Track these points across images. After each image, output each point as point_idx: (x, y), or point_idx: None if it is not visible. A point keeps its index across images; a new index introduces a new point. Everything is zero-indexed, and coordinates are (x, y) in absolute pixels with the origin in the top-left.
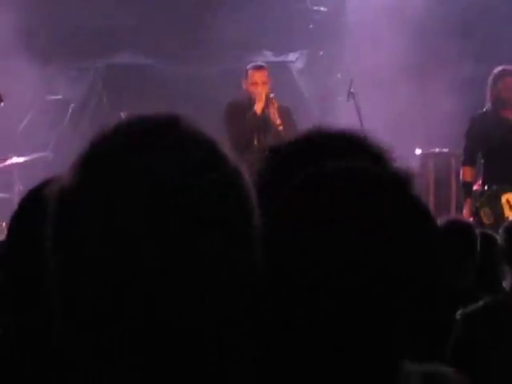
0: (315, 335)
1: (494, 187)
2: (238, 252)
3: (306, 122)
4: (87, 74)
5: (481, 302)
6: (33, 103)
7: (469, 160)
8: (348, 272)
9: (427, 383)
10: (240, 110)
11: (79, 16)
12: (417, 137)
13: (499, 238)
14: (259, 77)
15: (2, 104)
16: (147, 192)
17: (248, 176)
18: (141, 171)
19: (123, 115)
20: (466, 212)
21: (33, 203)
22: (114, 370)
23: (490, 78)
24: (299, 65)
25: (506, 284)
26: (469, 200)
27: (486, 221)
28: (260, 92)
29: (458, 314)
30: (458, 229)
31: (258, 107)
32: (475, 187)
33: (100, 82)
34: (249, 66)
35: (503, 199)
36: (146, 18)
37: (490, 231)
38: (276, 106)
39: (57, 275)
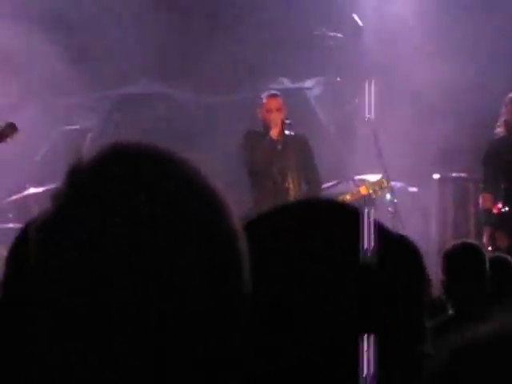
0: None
1: (508, 209)
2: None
3: (324, 148)
4: (104, 104)
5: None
6: (50, 133)
7: (489, 186)
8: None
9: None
10: (257, 138)
11: (95, 45)
12: (434, 161)
13: None
14: (274, 104)
15: (17, 134)
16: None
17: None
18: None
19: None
20: (485, 239)
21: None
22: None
23: (504, 103)
24: (316, 91)
25: None
26: (488, 228)
27: (500, 244)
28: (275, 118)
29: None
30: (464, 251)
31: (274, 132)
32: (495, 211)
33: (117, 111)
34: (263, 95)
35: None
36: (161, 46)
37: (503, 255)
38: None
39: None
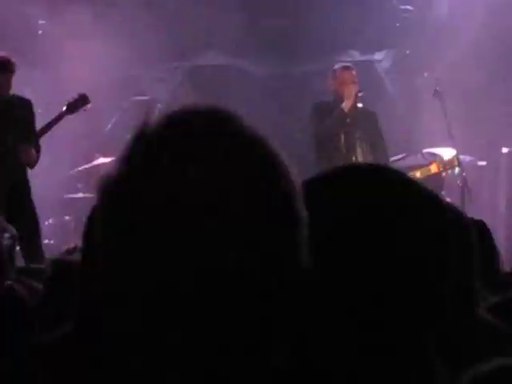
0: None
1: None
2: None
3: (393, 121)
4: (174, 75)
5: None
6: (120, 104)
7: None
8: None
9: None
10: (327, 110)
11: (167, 18)
12: (503, 135)
13: None
14: (348, 76)
15: (89, 106)
16: (191, 192)
17: (293, 176)
18: (184, 169)
19: None
20: None
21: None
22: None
23: None
24: (386, 64)
25: None
26: None
27: None
28: (350, 90)
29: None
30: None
31: (347, 105)
32: None
33: (187, 82)
34: (337, 66)
35: None
36: (233, 19)
37: None
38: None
39: (105, 266)
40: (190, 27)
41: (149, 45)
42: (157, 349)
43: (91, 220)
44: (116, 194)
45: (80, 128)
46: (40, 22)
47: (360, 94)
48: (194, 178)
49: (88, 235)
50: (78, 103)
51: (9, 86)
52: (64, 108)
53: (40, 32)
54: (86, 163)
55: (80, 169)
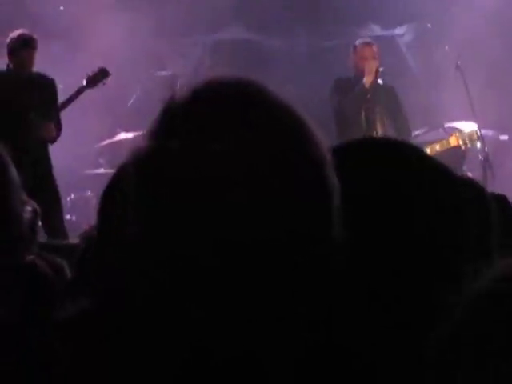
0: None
1: None
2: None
3: (414, 95)
4: (195, 50)
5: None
6: (141, 79)
7: None
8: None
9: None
10: (347, 85)
11: None
12: None
13: None
14: (369, 51)
15: (109, 79)
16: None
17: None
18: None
19: None
20: None
21: (119, 178)
22: None
23: None
24: (407, 38)
25: None
26: None
27: None
28: (370, 66)
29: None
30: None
31: (368, 80)
32: None
33: (208, 57)
34: (357, 42)
35: None
36: None
37: None
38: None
39: (135, 244)
40: (214, 1)
41: (170, 19)
42: (181, 322)
43: (108, 196)
44: (144, 169)
45: (101, 103)
46: None
47: (380, 70)
48: (222, 150)
49: (104, 210)
50: (98, 76)
51: (31, 62)
52: (84, 82)
53: (61, 8)
54: (108, 138)
55: (102, 144)
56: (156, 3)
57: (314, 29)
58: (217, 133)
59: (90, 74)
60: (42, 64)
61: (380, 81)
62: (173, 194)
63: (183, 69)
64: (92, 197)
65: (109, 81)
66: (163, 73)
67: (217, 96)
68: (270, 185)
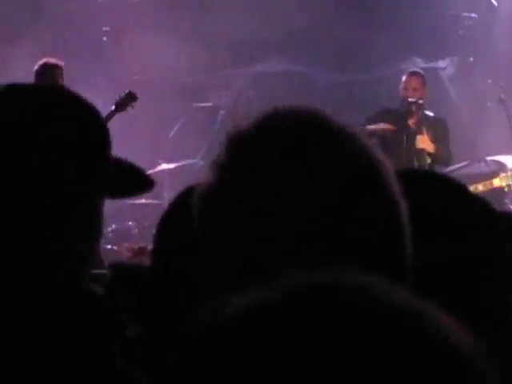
0: None
1: None
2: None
3: (457, 128)
4: (236, 81)
5: None
6: (183, 110)
7: None
8: None
9: None
10: (391, 116)
11: (228, 25)
12: None
13: None
14: (411, 83)
15: (136, 102)
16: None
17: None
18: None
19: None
20: None
21: (178, 208)
22: None
23: None
24: (450, 71)
25: None
26: None
27: None
28: (411, 108)
29: None
30: None
31: (412, 122)
32: None
33: (249, 88)
34: (406, 72)
35: None
36: (292, 26)
37: None
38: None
39: (207, 271)
40: (254, 34)
41: (213, 51)
42: None
43: (165, 222)
44: (216, 201)
45: (143, 134)
46: (104, 28)
47: (421, 102)
48: (298, 179)
49: (161, 238)
50: (126, 101)
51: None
52: (113, 107)
53: (104, 39)
54: (149, 169)
55: None
56: (200, 37)
57: (356, 62)
58: (294, 161)
59: (118, 99)
60: (81, 92)
61: (430, 113)
62: (241, 226)
63: (224, 100)
64: (133, 227)
65: (151, 111)
66: (205, 104)
67: (283, 126)
68: (345, 217)
